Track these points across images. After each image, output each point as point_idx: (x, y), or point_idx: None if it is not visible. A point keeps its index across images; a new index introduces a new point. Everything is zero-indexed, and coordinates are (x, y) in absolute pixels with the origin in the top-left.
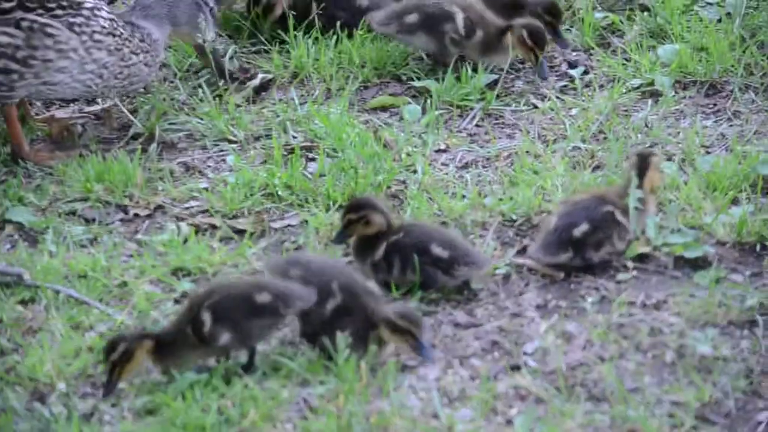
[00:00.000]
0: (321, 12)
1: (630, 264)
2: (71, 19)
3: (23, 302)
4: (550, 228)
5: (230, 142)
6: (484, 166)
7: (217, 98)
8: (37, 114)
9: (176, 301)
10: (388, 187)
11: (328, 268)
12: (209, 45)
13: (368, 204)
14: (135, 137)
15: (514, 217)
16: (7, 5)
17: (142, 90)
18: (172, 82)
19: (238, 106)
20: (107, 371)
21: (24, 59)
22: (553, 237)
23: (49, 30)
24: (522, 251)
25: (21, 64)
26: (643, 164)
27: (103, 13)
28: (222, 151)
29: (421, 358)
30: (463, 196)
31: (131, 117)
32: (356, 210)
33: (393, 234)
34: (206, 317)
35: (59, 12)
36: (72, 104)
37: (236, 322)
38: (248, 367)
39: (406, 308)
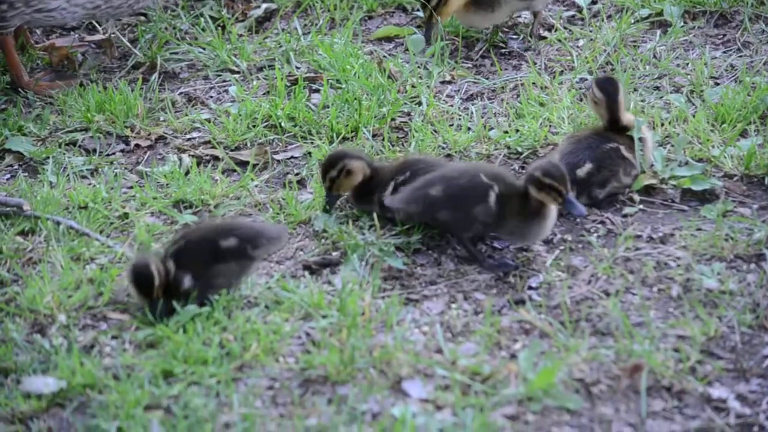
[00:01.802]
0: None
1: (636, 197)
2: None
3: (23, 233)
4: None
5: (233, 72)
6: (489, 98)
7: (219, 28)
8: (37, 42)
9: None
10: (393, 119)
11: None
12: None
13: (342, 155)
14: (136, 67)
15: (520, 150)
16: None
17: (143, 18)
18: (173, 10)
19: (241, 35)
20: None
21: None
22: None
23: None
24: None
25: None
26: (611, 90)
27: None
28: (224, 81)
29: (572, 212)
30: (469, 129)
31: (131, 47)
32: (333, 165)
33: (399, 173)
34: (170, 265)
35: None
36: (72, 32)
37: (201, 268)
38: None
39: (550, 164)
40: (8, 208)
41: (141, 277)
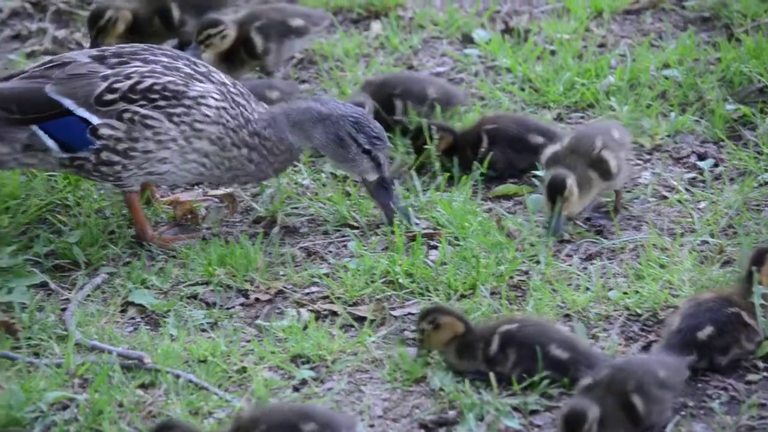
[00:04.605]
0: None
1: (761, 364)
2: (171, 110)
3: (143, 386)
4: (673, 329)
5: (352, 227)
6: (609, 259)
7: (339, 183)
8: (162, 196)
9: (295, 389)
10: (511, 278)
11: None
12: (371, 185)
13: (435, 309)
14: (257, 221)
15: (640, 312)
16: (110, 97)
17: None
18: (295, 166)
19: (363, 196)
20: None
21: (125, 151)
22: (676, 339)
23: (149, 121)
24: (647, 347)
25: (122, 156)
26: (760, 259)
27: (210, 101)
28: (343, 236)
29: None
30: (587, 289)
31: (253, 202)
32: (425, 317)
33: (504, 324)
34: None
35: (162, 103)
36: (196, 187)
37: None
38: None
39: None
40: (130, 361)
41: None
